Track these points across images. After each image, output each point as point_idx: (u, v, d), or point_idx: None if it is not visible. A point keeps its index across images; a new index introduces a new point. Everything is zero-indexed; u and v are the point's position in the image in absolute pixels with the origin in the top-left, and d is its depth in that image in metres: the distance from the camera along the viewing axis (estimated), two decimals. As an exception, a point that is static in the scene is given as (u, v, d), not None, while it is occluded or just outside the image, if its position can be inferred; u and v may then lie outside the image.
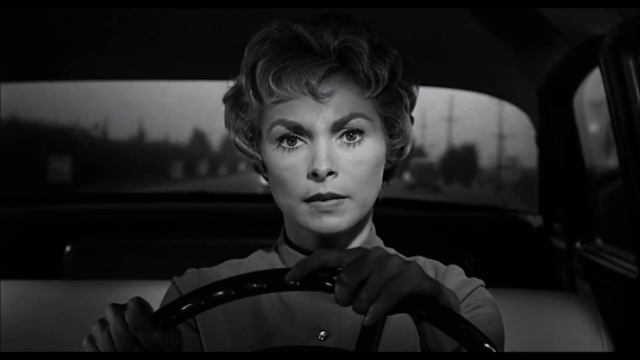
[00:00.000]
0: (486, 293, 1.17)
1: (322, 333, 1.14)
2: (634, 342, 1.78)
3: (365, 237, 1.18)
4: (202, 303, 0.94)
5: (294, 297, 1.16)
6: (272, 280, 0.93)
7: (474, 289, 1.16)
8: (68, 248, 2.37)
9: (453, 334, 0.88)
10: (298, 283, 0.91)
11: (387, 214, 1.32)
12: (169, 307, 0.94)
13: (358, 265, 0.88)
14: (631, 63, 1.59)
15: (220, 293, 0.93)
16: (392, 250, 1.22)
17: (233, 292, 0.93)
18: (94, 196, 3.14)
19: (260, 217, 2.06)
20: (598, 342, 1.53)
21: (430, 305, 0.89)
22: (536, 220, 2.64)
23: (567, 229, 2.40)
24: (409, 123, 1.17)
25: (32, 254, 2.39)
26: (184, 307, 0.94)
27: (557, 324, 1.56)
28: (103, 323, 0.95)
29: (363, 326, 0.89)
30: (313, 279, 0.91)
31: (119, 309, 0.94)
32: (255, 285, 0.93)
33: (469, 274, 1.20)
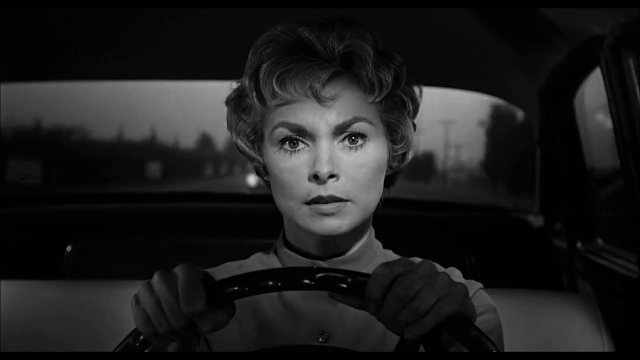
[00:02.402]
0: (486, 298, 1.17)
1: (324, 335, 1.13)
2: (635, 342, 1.78)
3: (365, 241, 1.17)
4: (270, 283, 0.93)
5: (296, 299, 1.15)
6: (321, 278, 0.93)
7: (474, 293, 1.16)
8: (69, 248, 2.37)
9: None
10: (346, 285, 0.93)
11: (387, 213, 1.31)
12: (229, 281, 0.93)
13: (410, 279, 0.90)
14: (632, 63, 1.59)
15: (299, 280, 0.93)
16: (389, 252, 1.22)
17: (312, 282, 0.93)
18: (94, 196, 3.14)
19: (260, 217, 2.05)
20: (599, 342, 1.53)
21: (467, 330, 0.92)
22: (537, 221, 2.64)
23: (568, 229, 2.40)
24: (412, 129, 1.17)
25: (32, 254, 2.39)
26: (247, 285, 0.93)
27: (558, 324, 1.56)
28: (150, 287, 0.92)
29: (402, 339, 0.92)
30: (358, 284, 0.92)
31: (168, 275, 0.92)
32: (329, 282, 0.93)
33: (470, 274, 1.20)
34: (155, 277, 0.93)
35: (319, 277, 0.93)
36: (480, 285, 1.18)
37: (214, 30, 2.13)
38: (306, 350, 1.04)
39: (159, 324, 0.91)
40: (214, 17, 2.02)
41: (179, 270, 0.92)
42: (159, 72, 2.68)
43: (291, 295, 1.16)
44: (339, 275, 0.93)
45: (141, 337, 0.95)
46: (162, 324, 0.91)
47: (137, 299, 0.93)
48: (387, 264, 0.92)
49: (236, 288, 0.93)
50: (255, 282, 0.93)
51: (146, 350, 0.96)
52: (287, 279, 0.93)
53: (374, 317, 0.96)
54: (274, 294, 1.17)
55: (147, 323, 0.92)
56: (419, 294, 0.89)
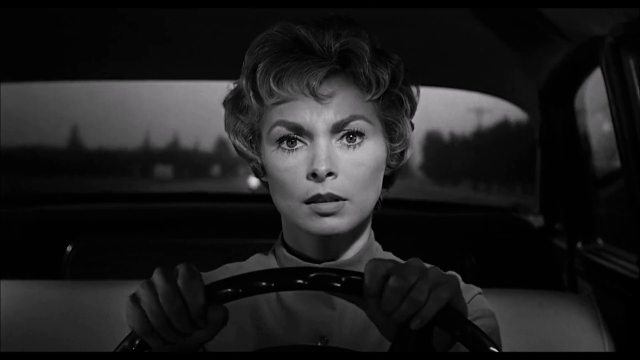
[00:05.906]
0: (484, 302, 1.16)
1: (323, 340, 1.13)
2: (635, 342, 1.78)
3: (364, 243, 1.17)
4: (264, 284, 0.94)
5: (294, 303, 1.15)
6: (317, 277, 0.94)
7: (472, 298, 1.16)
8: (69, 248, 2.36)
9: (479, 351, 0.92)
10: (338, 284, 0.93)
11: (386, 214, 1.31)
12: (223, 282, 0.94)
13: (404, 272, 0.91)
14: (632, 63, 1.58)
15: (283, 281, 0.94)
16: (390, 255, 1.22)
17: (305, 282, 0.94)
18: (94, 196, 3.14)
19: (259, 217, 2.05)
20: (599, 342, 1.53)
21: (464, 326, 0.92)
22: (537, 221, 2.64)
23: (568, 229, 2.40)
24: (410, 128, 1.17)
25: (32, 254, 2.39)
26: (240, 286, 0.93)
27: (558, 324, 1.56)
28: (150, 284, 0.94)
29: (409, 329, 0.92)
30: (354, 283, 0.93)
31: (169, 272, 0.93)
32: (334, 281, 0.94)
33: (470, 274, 1.20)
34: (155, 274, 0.94)
35: (313, 277, 0.93)
36: (478, 290, 1.18)
37: (216, 31, 2.13)
38: (305, 350, 1.04)
39: (155, 318, 0.92)
40: (216, 17, 2.02)
41: (179, 266, 0.94)
42: (161, 72, 2.68)
43: (290, 299, 1.15)
44: (333, 274, 0.93)
45: (137, 341, 0.95)
46: (159, 318, 0.92)
47: (134, 297, 0.94)
48: (376, 260, 0.93)
49: (230, 289, 0.93)
50: (249, 283, 0.93)
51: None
52: (281, 279, 0.94)
53: (371, 321, 0.96)
54: (273, 299, 1.17)
55: (144, 320, 0.92)
56: (416, 285, 0.91)
